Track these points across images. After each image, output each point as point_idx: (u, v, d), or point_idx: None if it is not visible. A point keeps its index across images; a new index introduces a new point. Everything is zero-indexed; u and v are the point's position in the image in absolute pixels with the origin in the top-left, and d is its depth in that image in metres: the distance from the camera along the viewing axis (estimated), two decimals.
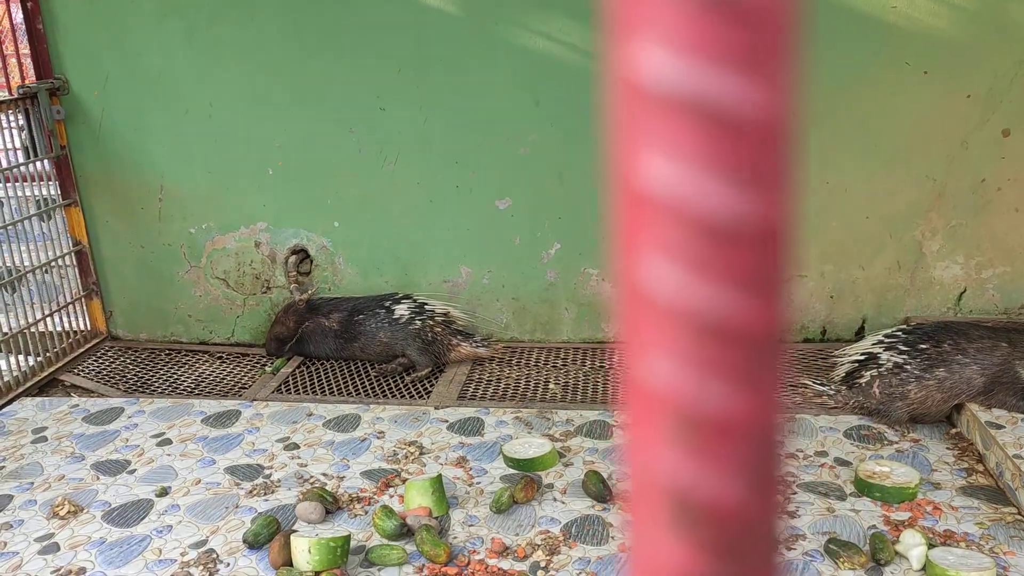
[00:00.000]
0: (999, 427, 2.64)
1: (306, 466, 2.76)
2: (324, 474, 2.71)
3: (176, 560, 2.31)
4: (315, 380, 3.44)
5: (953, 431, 2.83)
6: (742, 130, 0.18)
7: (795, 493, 2.51)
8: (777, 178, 0.19)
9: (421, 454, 2.81)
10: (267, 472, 2.74)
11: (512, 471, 2.69)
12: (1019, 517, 2.36)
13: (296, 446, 2.89)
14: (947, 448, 2.74)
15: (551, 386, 3.31)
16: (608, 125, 0.20)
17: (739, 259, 0.19)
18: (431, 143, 3.54)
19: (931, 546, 2.18)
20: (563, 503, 2.51)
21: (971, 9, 3.12)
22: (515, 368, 3.50)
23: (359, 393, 3.31)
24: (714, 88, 0.18)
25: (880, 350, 2.93)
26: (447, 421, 3.04)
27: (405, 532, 2.34)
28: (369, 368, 3.52)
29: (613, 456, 2.77)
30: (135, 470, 2.77)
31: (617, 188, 0.19)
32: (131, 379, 3.53)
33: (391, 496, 2.58)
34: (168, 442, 2.95)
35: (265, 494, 2.61)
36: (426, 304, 3.53)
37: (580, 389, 3.28)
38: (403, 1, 3.38)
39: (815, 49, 3.22)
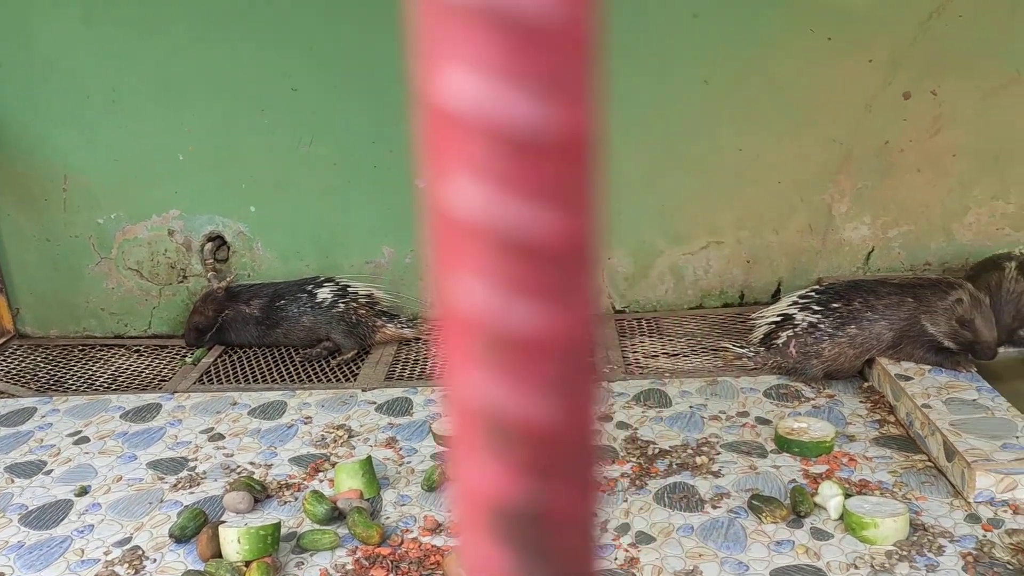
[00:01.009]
0: (908, 379, 2.75)
1: (232, 456, 2.71)
2: (251, 463, 2.67)
3: (100, 559, 2.24)
4: (238, 369, 3.37)
5: (865, 385, 2.94)
6: (542, 37, 0.18)
7: (719, 454, 2.58)
8: (581, 88, 0.18)
9: (350, 437, 2.79)
10: (192, 464, 2.68)
11: (442, 448, 2.69)
12: (929, 464, 2.47)
13: (221, 436, 2.83)
14: (860, 402, 2.85)
15: None
16: (410, 40, 0.19)
17: (543, 173, 0.18)
18: (347, 122, 3.49)
19: (847, 496, 2.27)
20: None
21: None
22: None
23: (284, 379, 3.27)
24: None
25: (795, 311, 3.02)
26: (375, 403, 3.02)
27: (337, 516, 2.32)
28: (293, 353, 3.47)
29: None
30: (52, 471, 2.68)
31: (419, 104, 0.19)
32: (43, 377, 3.40)
33: (321, 481, 2.55)
34: (86, 440, 2.86)
35: (191, 487, 2.56)
36: (349, 286, 3.49)
37: None
38: None
39: (724, 22, 3.28)
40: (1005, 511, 2.24)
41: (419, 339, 3.53)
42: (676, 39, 3.31)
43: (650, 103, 3.39)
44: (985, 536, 2.15)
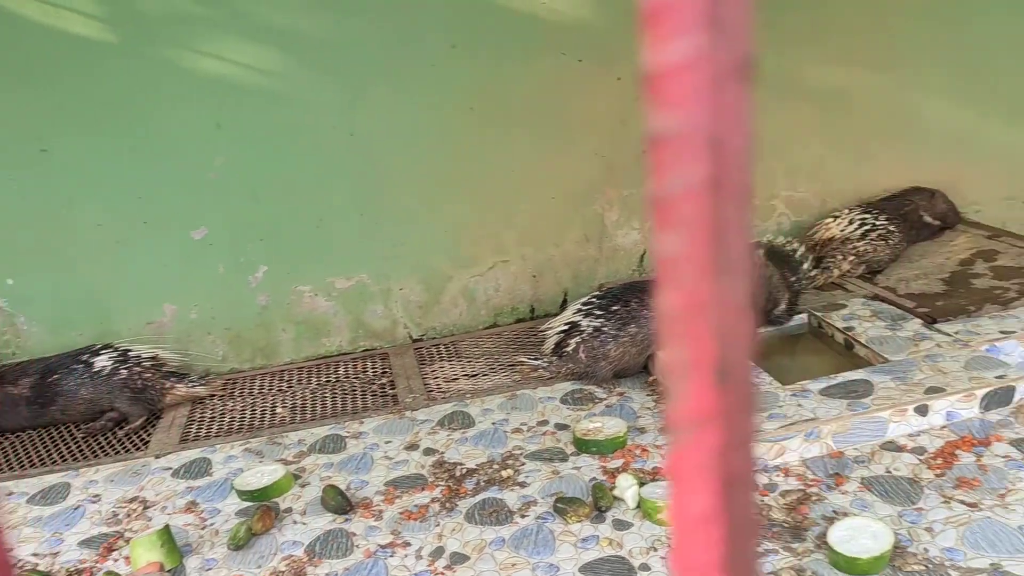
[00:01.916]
0: None
1: (11, 551, 2.48)
2: (34, 554, 2.46)
3: None
4: (10, 456, 3.09)
5: (651, 379, 3.14)
6: None
7: (523, 464, 2.67)
8: None
9: (145, 508, 2.64)
10: None
11: (247, 503, 2.60)
12: None
13: None
14: (647, 395, 3.03)
15: (279, 410, 3.24)
16: None
17: None
18: (107, 180, 3.31)
19: (642, 484, 2.41)
20: (304, 524, 2.48)
21: None
22: (239, 399, 3.37)
23: (66, 459, 3.03)
24: None
25: (580, 318, 3.17)
26: (171, 468, 2.87)
27: None
28: (75, 430, 3.23)
29: (348, 467, 2.77)
30: None
31: None
32: None
33: (116, 560, 2.39)
34: None
35: None
36: (130, 351, 3.29)
37: (308, 408, 3.24)
38: (51, 34, 3.11)
39: (481, 51, 3.41)
40: (778, 475, 2.46)
41: (213, 396, 3.39)
42: (440, 70, 3.41)
43: (424, 134, 3.47)
44: (762, 500, 2.35)
